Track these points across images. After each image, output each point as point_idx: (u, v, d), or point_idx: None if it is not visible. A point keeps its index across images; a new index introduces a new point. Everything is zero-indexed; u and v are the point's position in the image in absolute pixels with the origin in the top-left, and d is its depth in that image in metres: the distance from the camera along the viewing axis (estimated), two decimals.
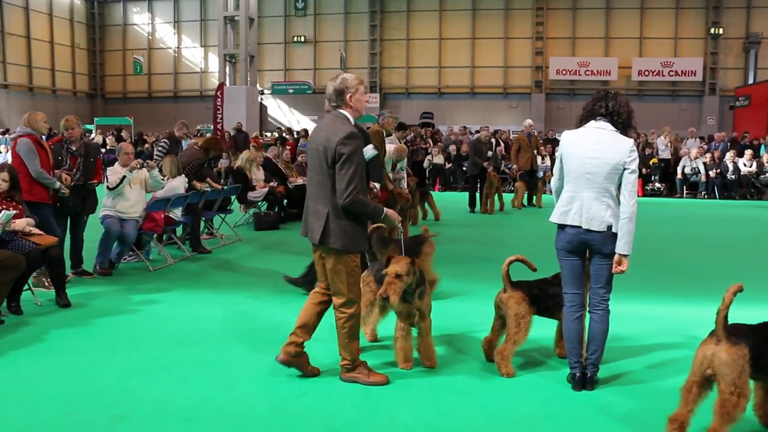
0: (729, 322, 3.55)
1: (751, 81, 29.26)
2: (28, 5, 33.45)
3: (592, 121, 4.30)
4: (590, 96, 4.49)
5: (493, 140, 19.58)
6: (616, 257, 4.16)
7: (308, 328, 4.47)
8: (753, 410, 3.76)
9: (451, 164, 20.16)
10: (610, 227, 4.15)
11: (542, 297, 4.72)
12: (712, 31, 30.35)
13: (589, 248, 4.27)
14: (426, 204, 13.09)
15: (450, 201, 15.78)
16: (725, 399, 3.41)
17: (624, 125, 4.28)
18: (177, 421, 3.83)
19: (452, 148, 20.30)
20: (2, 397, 4.14)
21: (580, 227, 4.20)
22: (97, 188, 7.72)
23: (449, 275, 7.81)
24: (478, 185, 14.38)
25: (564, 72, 32.04)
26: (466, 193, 15.09)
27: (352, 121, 4.32)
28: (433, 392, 4.29)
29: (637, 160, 4.22)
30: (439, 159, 20.17)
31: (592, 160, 4.18)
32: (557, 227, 4.36)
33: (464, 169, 18.31)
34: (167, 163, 9.09)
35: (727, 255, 9.87)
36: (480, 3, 32.92)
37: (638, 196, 18.30)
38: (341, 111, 4.32)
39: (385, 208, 4.36)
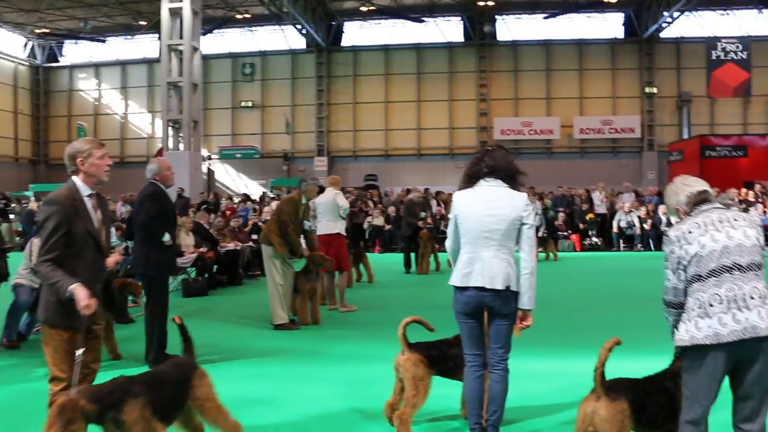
0: (619, 377, 3.56)
1: (685, 136, 30.55)
2: None
3: (483, 180, 4.28)
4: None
5: (433, 201, 19.82)
6: (520, 313, 4.14)
7: None
8: None
9: (390, 225, 20.17)
10: (509, 286, 4.12)
11: (442, 358, 4.64)
12: (647, 90, 31.75)
13: (488, 309, 4.20)
14: (361, 266, 12.99)
15: (388, 262, 15.75)
16: None
17: (510, 179, 4.26)
18: None
19: (392, 210, 20.36)
20: None
21: (483, 288, 4.12)
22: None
23: (368, 338, 7.71)
24: (413, 246, 14.37)
25: (508, 132, 32.75)
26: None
27: (81, 188, 4.05)
28: None
29: (533, 214, 4.25)
30: (379, 220, 20.20)
31: (488, 218, 4.15)
32: (455, 290, 4.25)
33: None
34: None
35: (655, 307, 9.92)
36: (425, 67, 33.76)
37: (577, 251, 18.58)
38: (72, 178, 4.08)
39: (73, 287, 3.76)
